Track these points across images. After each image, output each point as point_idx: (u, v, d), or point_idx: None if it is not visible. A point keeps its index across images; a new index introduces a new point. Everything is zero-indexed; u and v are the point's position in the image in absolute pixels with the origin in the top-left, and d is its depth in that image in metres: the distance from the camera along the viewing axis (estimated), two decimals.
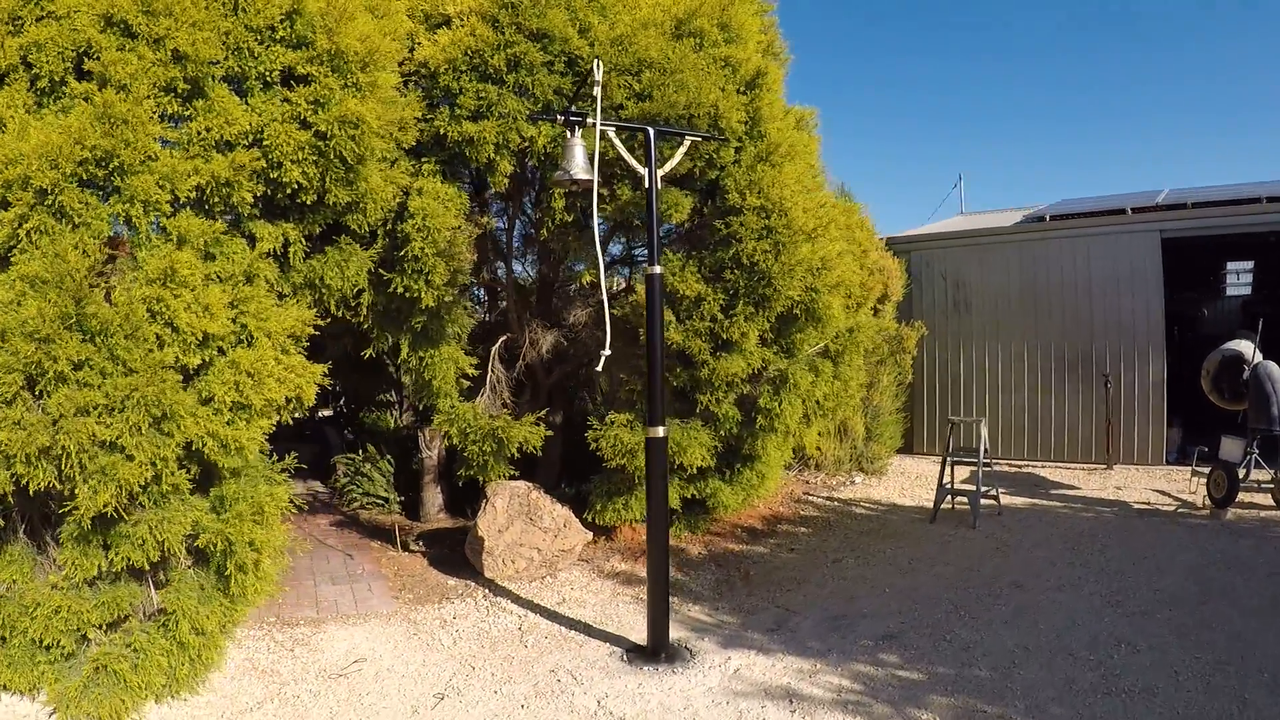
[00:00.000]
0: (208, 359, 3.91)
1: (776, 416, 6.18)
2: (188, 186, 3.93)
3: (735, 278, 5.72)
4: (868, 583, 5.98)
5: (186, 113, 4.02)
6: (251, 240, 4.41)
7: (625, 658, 4.72)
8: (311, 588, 5.97)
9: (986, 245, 10.78)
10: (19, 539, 3.82)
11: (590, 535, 6.61)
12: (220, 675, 4.37)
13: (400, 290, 5.37)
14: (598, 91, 4.20)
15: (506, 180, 5.74)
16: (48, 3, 3.88)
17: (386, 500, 8.21)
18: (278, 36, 4.26)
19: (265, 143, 4.15)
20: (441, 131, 5.39)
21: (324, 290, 5.06)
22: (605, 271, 5.11)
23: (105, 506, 3.38)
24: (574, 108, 4.38)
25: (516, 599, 5.76)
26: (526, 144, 5.59)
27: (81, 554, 3.63)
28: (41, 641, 3.63)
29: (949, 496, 7.68)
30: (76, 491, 3.40)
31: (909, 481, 9.71)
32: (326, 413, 13.04)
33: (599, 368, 4.43)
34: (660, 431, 4.64)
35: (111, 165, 3.68)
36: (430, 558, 6.80)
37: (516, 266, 7.42)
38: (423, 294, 5.37)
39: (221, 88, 4.10)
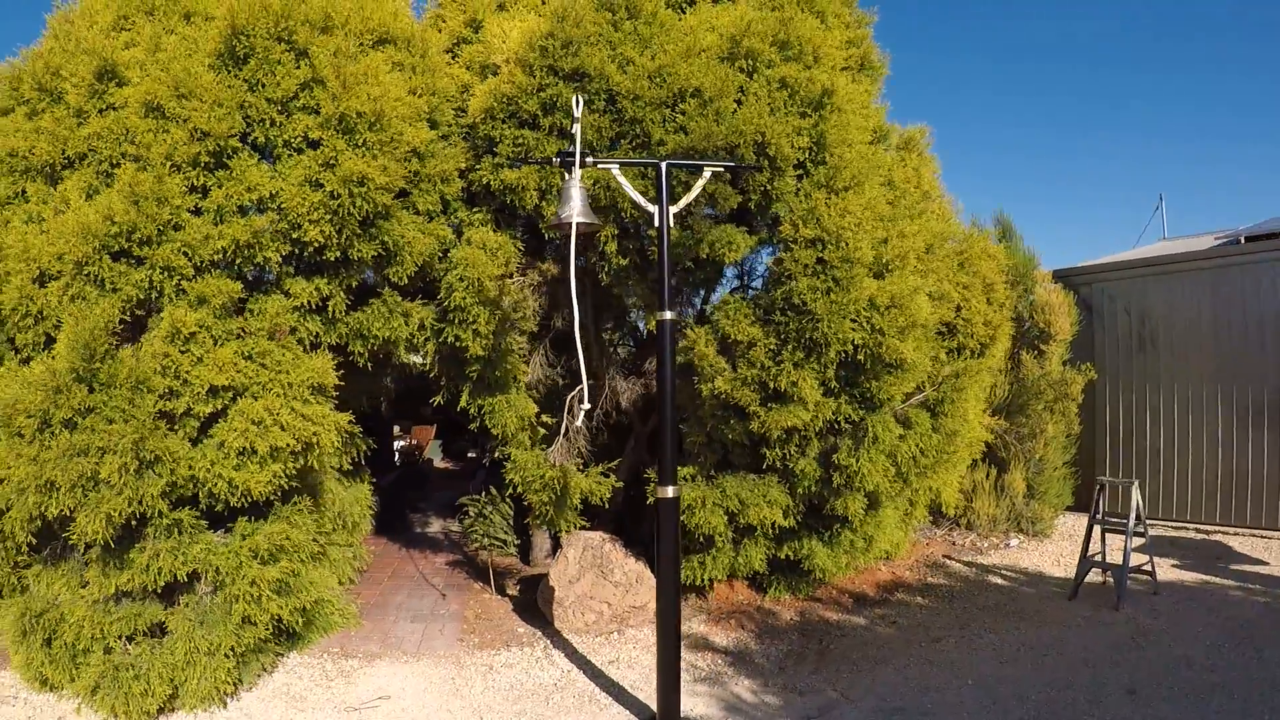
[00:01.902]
0: (220, 407, 4.21)
1: (854, 474, 5.54)
2: (209, 251, 4.30)
3: (786, 319, 5.23)
4: (955, 671, 5.14)
5: (210, 183, 4.41)
6: (287, 296, 4.74)
7: None
8: (391, 624, 6.20)
9: (1173, 274, 8.91)
10: (72, 557, 4.32)
11: None
12: (254, 695, 4.71)
13: (451, 340, 5.49)
14: (577, 129, 4.04)
15: None
16: (108, 95, 4.46)
17: (505, 542, 8.40)
18: (300, 105, 4.57)
19: (283, 205, 4.44)
20: (485, 180, 5.48)
21: (373, 341, 5.31)
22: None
23: (95, 535, 3.74)
24: (571, 148, 4.22)
25: (572, 653, 5.61)
26: None
27: (102, 574, 4.09)
28: (76, 646, 4.11)
29: (1097, 569, 6.45)
30: (76, 520, 3.80)
31: (1073, 546, 8.27)
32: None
33: (578, 423, 4.20)
34: (670, 492, 4.26)
35: (135, 237, 4.11)
36: (517, 603, 6.84)
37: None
38: (470, 344, 5.44)
39: (242, 158, 4.46)
